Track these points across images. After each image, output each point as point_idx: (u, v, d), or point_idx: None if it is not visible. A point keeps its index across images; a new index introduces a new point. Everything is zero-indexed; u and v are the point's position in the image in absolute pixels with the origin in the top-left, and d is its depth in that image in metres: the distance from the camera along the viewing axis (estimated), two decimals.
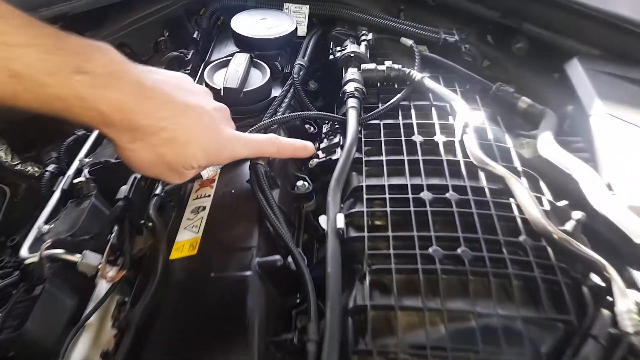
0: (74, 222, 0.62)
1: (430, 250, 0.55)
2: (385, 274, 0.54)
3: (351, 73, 0.80)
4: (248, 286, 0.53)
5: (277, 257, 0.55)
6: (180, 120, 0.53)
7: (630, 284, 0.56)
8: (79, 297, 0.57)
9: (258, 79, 0.80)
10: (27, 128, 0.90)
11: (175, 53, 0.92)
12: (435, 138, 0.70)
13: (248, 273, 0.54)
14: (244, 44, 0.89)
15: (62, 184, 0.70)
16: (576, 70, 0.80)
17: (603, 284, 0.55)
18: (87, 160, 0.73)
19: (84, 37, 0.48)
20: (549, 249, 0.57)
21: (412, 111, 0.76)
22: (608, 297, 0.53)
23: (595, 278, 0.56)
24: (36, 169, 0.89)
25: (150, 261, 0.59)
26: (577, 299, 0.54)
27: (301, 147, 0.68)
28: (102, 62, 0.47)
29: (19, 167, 0.88)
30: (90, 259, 0.59)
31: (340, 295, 0.53)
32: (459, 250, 0.55)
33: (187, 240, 0.60)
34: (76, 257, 0.59)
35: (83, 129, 0.83)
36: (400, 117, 0.75)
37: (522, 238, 0.57)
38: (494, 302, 0.51)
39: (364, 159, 0.68)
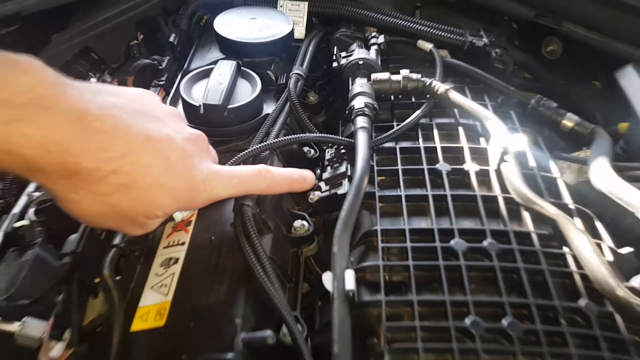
0: (12, 280, 0.52)
1: (467, 322, 0.45)
2: (410, 354, 0.44)
3: (360, 85, 0.70)
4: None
5: (268, 332, 0.45)
6: (138, 158, 0.43)
7: None
8: None
9: (246, 92, 0.70)
10: None
11: (146, 60, 0.81)
12: (465, 167, 0.61)
13: (230, 356, 0.44)
14: (230, 49, 0.79)
15: (5, 226, 0.60)
16: (631, 80, 0.70)
17: None
18: (36, 194, 0.63)
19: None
20: (617, 317, 0.47)
21: (435, 131, 0.66)
22: None
23: None
24: None
25: (106, 335, 0.49)
26: None
27: (299, 179, 0.58)
28: (22, 86, 0.37)
29: None
30: (31, 328, 0.49)
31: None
32: (504, 322, 0.45)
33: (153, 305, 0.50)
34: (14, 327, 0.49)
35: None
36: (420, 140, 0.65)
37: (583, 302, 0.47)
38: None
39: (377, 194, 0.58)
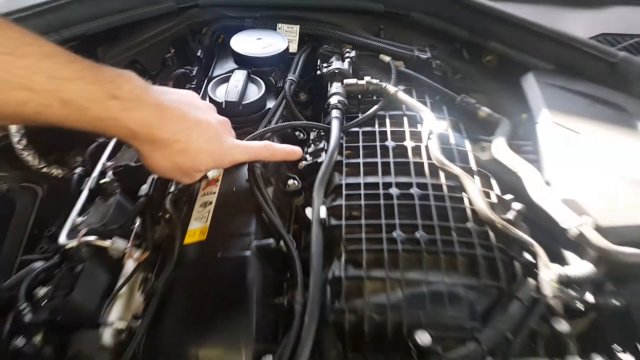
0: (104, 215, 0.80)
1: (394, 234, 0.73)
2: (358, 253, 0.72)
3: (335, 87, 0.98)
4: (247, 264, 0.71)
5: (271, 240, 0.73)
6: (191, 133, 0.67)
7: (558, 260, 0.74)
8: (111, 274, 0.75)
9: (255, 92, 0.98)
10: (49, 134, 1.09)
11: (182, 70, 1.10)
12: (405, 143, 0.88)
13: (247, 253, 0.72)
14: (242, 61, 1.06)
15: (89, 184, 0.88)
16: (530, 83, 0.98)
17: (533, 260, 0.73)
18: (109, 163, 0.91)
19: (113, 68, 0.62)
20: (491, 233, 0.74)
21: (387, 120, 0.94)
22: (535, 270, 0.71)
23: (527, 255, 0.73)
24: (60, 171, 1.07)
25: (168, 246, 0.76)
26: (511, 272, 0.71)
27: (291, 151, 0.85)
28: (129, 89, 0.60)
29: (44, 169, 1.06)
30: (118, 244, 0.77)
31: (322, 270, 0.70)
32: (417, 234, 0.73)
33: (197, 228, 0.77)
34: (107, 243, 0.76)
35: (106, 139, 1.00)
36: (376, 126, 0.93)
37: (469, 224, 0.75)
38: (442, 273, 0.69)
39: (344, 162, 0.86)
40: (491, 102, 1.07)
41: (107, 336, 0.67)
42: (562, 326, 0.66)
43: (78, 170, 0.96)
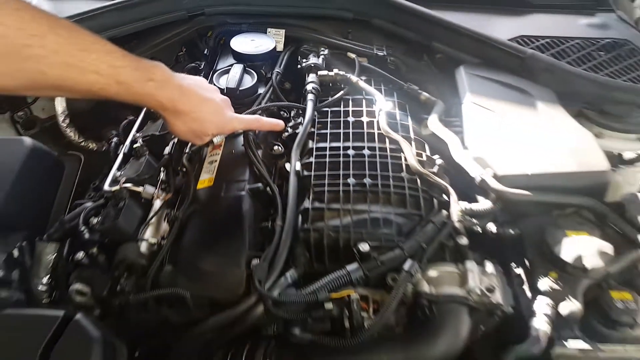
0: (137, 169, 1.08)
1: (348, 180, 1.01)
2: (322, 194, 1.00)
3: (311, 77, 1.26)
4: (242, 200, 0.99)
5: (260, 184, 1.01)
6: (202, 107, 0.90)
7: (470, 200, 1.02)
8: (144, 210, 1.03)
9: (249, 81, 1.26)
10: (86, 116, 1.37)
11: (192, 65, 1.38)
12: (362, 119, 1.16)
13: (242, 193, 1.00)
14: (239, 57, 1.33)
15: (124, 149, 1.16)
16: (460, 74, 1.26)
17: (447, 199, 1.01)
18: (138, 134, 1.19)
19: (149, 60, 0.82)
20: (418, 180, 1.03)
21: (350, 102, 1.22)
22: (448, 205, 0.99)
23: (444, 196, 1.02)
24: (94, 145, 1.35)
25: (185, 190, 1.04)
26: (431, 206, 0.99)
27: (275, 123, 1.10)
28: (160, 74, 0.82)
29: (82, 143, 1.34)
30: (149, 189, 1.04)
31: (296, 204, 0.98)
32: (364, 180, 1.01)
33: (206, 178, 1.05)
34: (140, 189, 1.04)
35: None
36: (342, 106, 1.21)
37: (403, 174, 1.03)
38: (380, 206, 0.97)
39: (315, 132, 1.14)
40: (437, 89, 1.34)
41: (143, 247, 0.95)
42: (463, 240, 0.94)
43: (114, 140, 1.24)
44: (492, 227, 0.98)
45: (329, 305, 0.85)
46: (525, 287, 0.91)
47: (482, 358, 0.87)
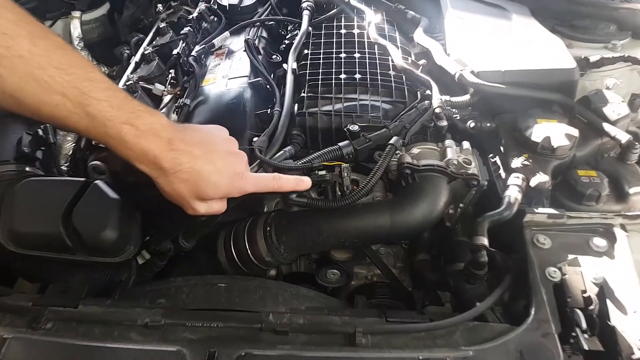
0: (147, 70, 1.15)
1: (340, 75, 1.08)
2: (316, 87, 1.07)
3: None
4: (244, 91, 1.06)
5: (260, 78, 1.08)
6: (195, 166, 0.67)
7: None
8: (154, 103, 1.10)
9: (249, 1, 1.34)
10: (97, 45, 1.44)
11: None
12: (353, 30, 1.24)
13: (245, 86, 1.07)
14: None
15: (136, 58, 1.23)
16: None
17: (429, 91, 1.08)
18: (148, 47, 1.26)
19: (147, 106, 0.69)
20: (404, 77, 1.10)
21: (342, 18, 1.29)
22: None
23: (427, 91, 1.09)
24: (106, 69, 1.42)
25: (191, 86, 1.11)
26: (414, 96, 1.07)
27: (300, 180, 0.84)
28: (148, 122, 0.65)
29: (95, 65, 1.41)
30: (159, 86, 1.11)
31: (293, 95, 1.06)
32: (355, 75, 1.08)
33: (210, 77, 1.13)
34: (151, 86, 1.11)
35: None
36: (334, 21, 1.28)
37: (390, 72, 1.10)
38: (369, 95, 1.05)
39: (310, 42, 1.21)
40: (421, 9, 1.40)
41: None
42: (443, 122, 1.01)
43: (126, 52, 1.31)
44: (470, 122, 1.05)
45: (322, 172, 0.92)
46: (501, 171, 0.97)
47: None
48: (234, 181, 0.73)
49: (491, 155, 1.02)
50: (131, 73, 1.17)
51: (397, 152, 0.94)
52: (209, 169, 0.69)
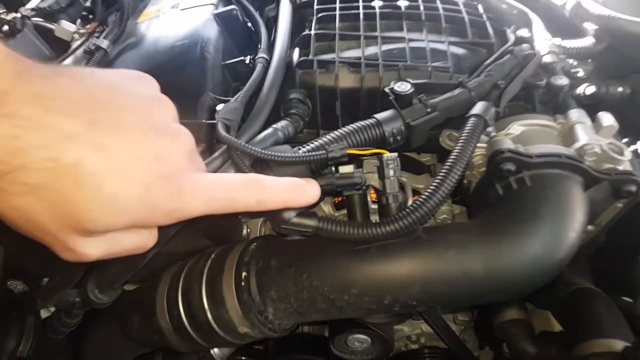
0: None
1: (373, 3, 0.62)
2: (331, 18, 0.60)
3: None
4: (205, 28, 0.59)
5: (233, 7, 0.61)
6: (66, 157, 0.28)
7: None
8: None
9: None
10: None
11: None
12: None
13: (207, 18, 0.60)
14: None
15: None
16: None
17: (525, 29, 0.62)
18: None
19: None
20: (479, 4, 0.64)
21: None
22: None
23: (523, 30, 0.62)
24: None
25: (117, 19, 0.64)
26: (503, 36, 0.60)
27: (300, 188, 0.39)
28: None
29: None
30: (65, 26, 0.65)
31: (290, 34, 0.60)
32: (399, 2, 0.61)
33: (153, 9, 0.66)
34: (52, 25, 0.65)
35: None
36: None
37: None
38: (425, 34, 0.58)
39: None
40: None
41: None
42: (562, 80, 0.54)
43: None
44: (586, 87, 0.59)
45: (345, 169, 0.45)
46: None
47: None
48: (160, 193, 0.31)
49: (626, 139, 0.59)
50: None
51: (488, 130, 0.48)
52: (100, 165, 0.28)
